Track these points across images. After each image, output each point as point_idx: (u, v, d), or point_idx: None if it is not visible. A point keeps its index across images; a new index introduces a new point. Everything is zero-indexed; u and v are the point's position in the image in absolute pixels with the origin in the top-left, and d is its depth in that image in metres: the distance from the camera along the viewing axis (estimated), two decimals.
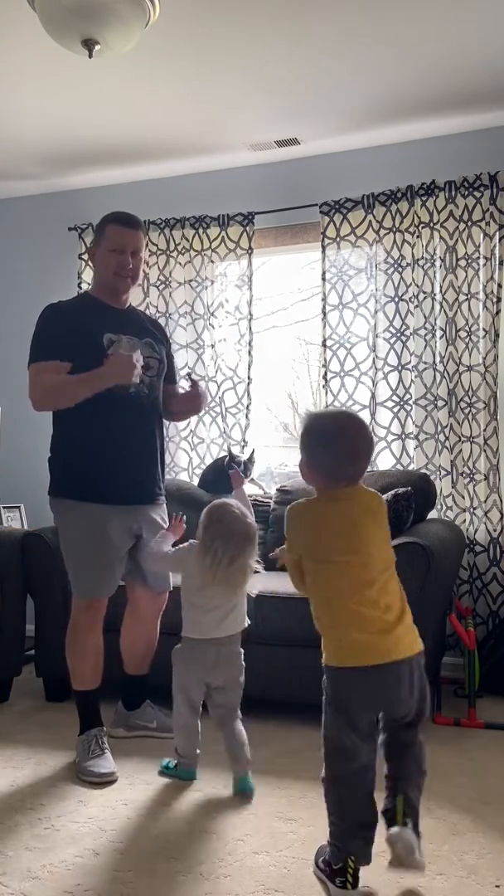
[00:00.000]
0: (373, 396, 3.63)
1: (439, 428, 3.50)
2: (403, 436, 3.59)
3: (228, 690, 2.34)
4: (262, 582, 3.00)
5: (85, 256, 4.15)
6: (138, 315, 2.74)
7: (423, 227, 3.55)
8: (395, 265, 3.60)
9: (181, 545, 2.38)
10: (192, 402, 2.76)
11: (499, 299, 3.40)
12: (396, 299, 3.60)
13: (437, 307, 3.53)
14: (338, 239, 3.70)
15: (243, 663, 2.38)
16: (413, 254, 3.57)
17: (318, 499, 1.83)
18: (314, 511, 1.81)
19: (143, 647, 2.72)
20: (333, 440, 1.78)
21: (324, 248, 3.72)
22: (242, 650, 2.39)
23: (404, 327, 3.59)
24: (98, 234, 2.61)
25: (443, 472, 3.49)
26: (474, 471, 3.43)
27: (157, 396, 2.66)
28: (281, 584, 2.94)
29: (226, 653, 2.34)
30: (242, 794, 2.26)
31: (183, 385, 2.79)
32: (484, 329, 3.43)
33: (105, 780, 2.33)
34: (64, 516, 2.56)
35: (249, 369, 3.86)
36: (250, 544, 2.26)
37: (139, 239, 2.58)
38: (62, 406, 2.52)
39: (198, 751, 2.38)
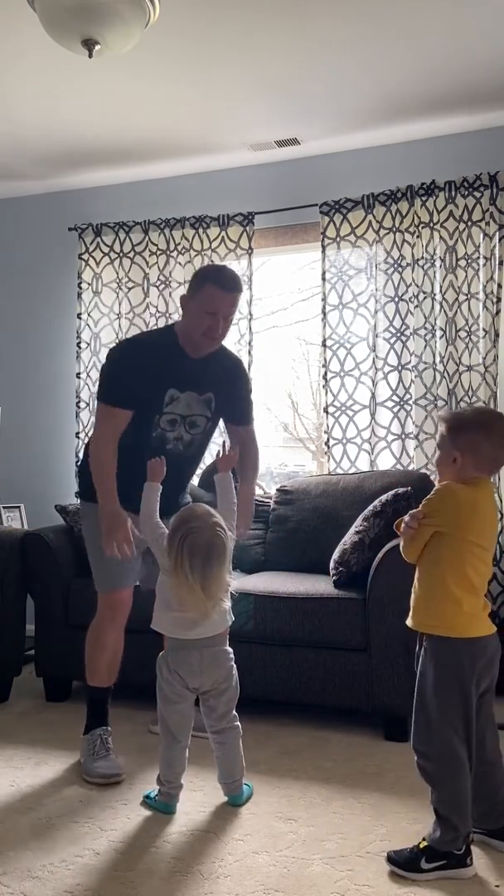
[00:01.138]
0: (373, 396, 3.64)
1: (439, 428, 3.50)
2: (403, 436, 3.59)
3: (219, 694, 2.19)
4: (263, 582, 3.00)
5: (85, 256, 4.15)
6: (214, 363, 2.58)
7: (423, 227, 3.55)
8: (395, 265, 3.60)
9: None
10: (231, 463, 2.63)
11: (499, 299, 3.40)
12: (396, 299, 3.60)
13: (437, 307, 3.54)
14: (338, 239, 3.70)
15: (232, 664, 2.23)
16: (413, 254, 3.57)
17: (475, 485, 1.90)
18: (477, 495, 1.89)
19: None
20: (494, 431, 1.91)
21: (324, 248, 3.72)
22: (230, 649, 2.25)
23: (404, 327, 3.59)
24: (195, 288, 2.49)
25: None
26: None
27: (199, 452, 2.69)
28: (281, 584, 2.95)
29: (211, 654, 2.18)
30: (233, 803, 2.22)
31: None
32: (484, 329, 3.44)
33: (111, 782, 2.33)
34: (89, 517, 2.59)
35: (249, 369, 3.86)
36: (216, 557, 2.06)
37: (236, 302, 2.50)
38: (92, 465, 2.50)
39: (182, 781, 2.20)
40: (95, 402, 2.63)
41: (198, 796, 2.25)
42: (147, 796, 2.23)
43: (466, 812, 1.81)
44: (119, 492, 2.43)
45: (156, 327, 2.74)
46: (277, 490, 3.63)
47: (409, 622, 1.95)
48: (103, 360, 2.62)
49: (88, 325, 4.16)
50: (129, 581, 2.56)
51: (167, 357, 2.50)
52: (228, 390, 2.65)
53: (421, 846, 1.81)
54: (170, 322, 3.97)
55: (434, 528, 1.89)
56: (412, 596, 1.95)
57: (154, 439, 2.51)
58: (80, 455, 4.08)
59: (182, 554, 2.05)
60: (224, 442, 2.58)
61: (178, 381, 2.51)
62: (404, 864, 1.80)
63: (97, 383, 2.62)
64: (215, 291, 2.44)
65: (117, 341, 2.65)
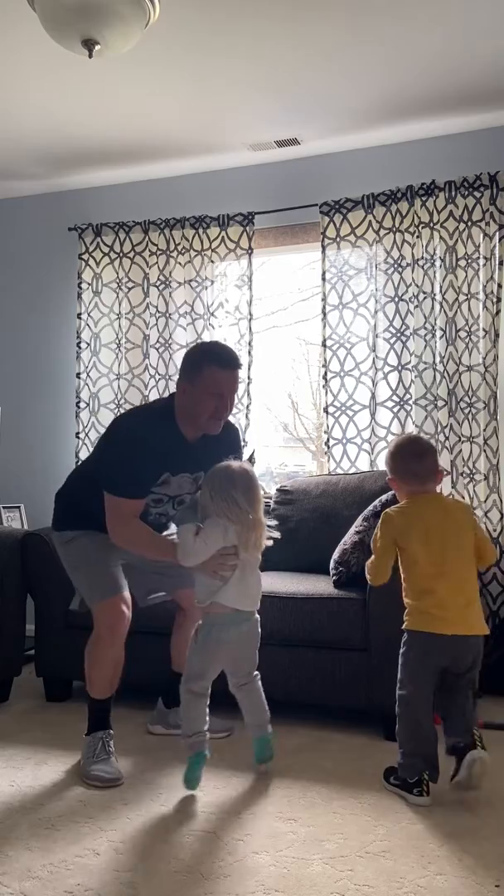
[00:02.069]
0: (373, 396, 3.64)
1: (439, 428, 3.50)
2: None
3: (247, 658, 2.39)
4: (263, 582, 3.00)
5: (85, 256, 4.15)
6: (211, 439, 2.53)
7: (423, 228, 3.55)
8: (395, 265, 3.60)
9: (203, 529, 2.30)
10: None
11: (499, 299, 3.40)
12: (396, 299, 3.60)
13: (437, 307, 3.54)
14: (338, 239, 3.70)
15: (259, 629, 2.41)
16: (413, 254, 3.57)
17: (414, 501, 2.42)
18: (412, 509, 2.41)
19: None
20: (400, 451, 2.45)
21: (324, 248, 3.72)
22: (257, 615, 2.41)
23: (404, 327, 3.59)
24: (193, 371, 2.42)
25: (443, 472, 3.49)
26: (474, 471, 3.43)
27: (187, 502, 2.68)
28: (281, 583, 2.94)
29: (254, 625, 2.38)
30: (261, 761, 2.36)
31: None
32: (484, 329, 3.44)
33: (109, 786, 2.33)
34: (68, 543, 2.59)
35: (249, 369, 3.86)
36: (256, 492, 2.30)
37: (238, 378, 2.47)
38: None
39: (206, 727, 2.32)
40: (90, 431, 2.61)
41: (198, 796, 2.25)
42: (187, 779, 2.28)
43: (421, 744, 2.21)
44: (79, 514, 2.49)
45: (153, 402, 2.65)
46: (277, 490, 3.63)
47: (482, 627, 2.26)
48: (105, 434, 2.54)
49: (88, 325, 4.16)
50: (126, 588, 2.52)
51: (168, 447, 2.46)
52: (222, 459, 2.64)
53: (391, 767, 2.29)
54: (169, 322, 3.99)
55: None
56: (474, 602, 2.27)
57: (148, 506, 2.50)
58: (79, 453, 4.09)
59: (228, 492, 2.25)
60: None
61: (174, 465, 2.49)
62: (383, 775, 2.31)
63: (103, 469, 2.48)
64: (217, 372, 2.39)
65: (118, 414, 2.57)
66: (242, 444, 2.74)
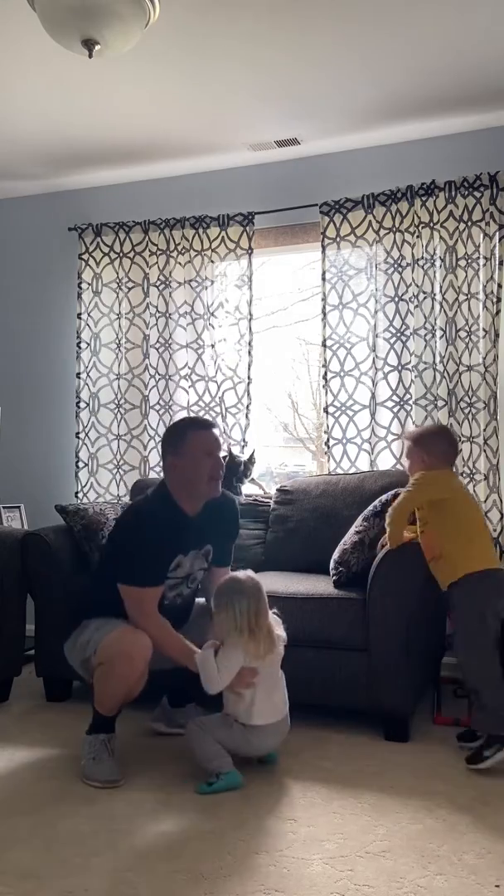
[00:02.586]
0: (373, 396, 3.63)
1: None
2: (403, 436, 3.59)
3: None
4: (263, 582, 2.99)
5: (85, 256, 4.15)
6: (209, 509, 2.58)
7: (423, 227, 3.55)
8: (395, 265, 3.60)
9: (222, 652, 2.34)
10: None
11: (499, 299, 3.40)
12: (396, 299, 3.60)
13: (437, 307, 3.54)
14: (338, 239, 3.70)
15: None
16: (413, 254, 3.57)
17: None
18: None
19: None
20: (442, 436, 2.80)
21: (324, 248, 3.72)
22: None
23: (404, 327, 3.59)
24: (179, 443, 2.50)
25: None
26: (474, 471, 3.43)
27: (193, 601, 2.74)
28: (281, 583, 2.94)
29: (284, 724, 2.45)
30: (265, 762, 2.42)
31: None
32: (484, 329, 3.43)
33: (110, 786, 2.33)
34: (79, 633, 2.56)
35: (249, 369, 3.86)
36: (264, 602, 2.38)
37: (220, 438, 2.58)
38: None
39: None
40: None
41: (198, 796, 2.25)
42: (206, 785, 2.27)
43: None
44: (103, 603, 2.48)
45: (146, 495, 2.67)
46: (277, 490, 3.63)
47: None
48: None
49: (88, 325, 4.16)
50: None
51: (175, 527, 2.49)
52: (223, 533, 2.67)
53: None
54: (169, 322, 3.98)
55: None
56: None
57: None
58: (79, 453, 4.08)
59: (234, 608, 2.32)
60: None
61: (185, 545, 2.52)
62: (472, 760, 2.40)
63: (117, 562, 2.48)
64: (202, 434, 2.51)
65: (127, 511, 2.63)
66: (238, 522, 2.78)
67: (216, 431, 2.56)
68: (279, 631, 2.43)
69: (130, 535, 2.49)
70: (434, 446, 2.69)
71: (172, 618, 2.52)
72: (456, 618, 2.57)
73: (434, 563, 2.60)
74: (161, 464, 2.60)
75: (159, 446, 2.59)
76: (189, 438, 2.49)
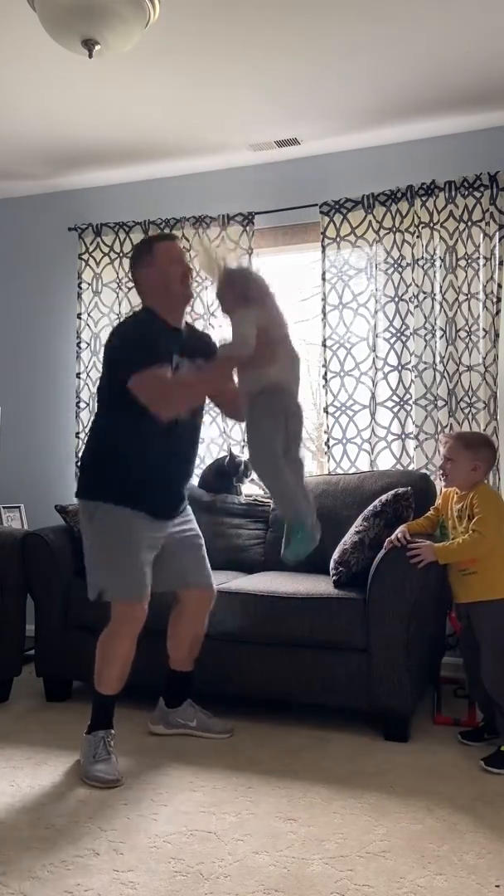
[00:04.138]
0: (373, 396, 3.63)
1: (439, 428, 3.50)
2: (403, 436, 3.59)
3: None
4: (263, 582, 3.00)
5: (85, 256, 4.15)
6: (189, 333, 2.66)
7: (423, 227, 3.55)
8: (395, 265, 3.60)
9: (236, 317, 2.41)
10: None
11: (499, 299, 3.40)
12: (396, 299, 3.60)
13: (437, 307, 3.53)
14: (338, 239, 3.70)
15: None
16: (413, 254, 3.57)
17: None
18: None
19: (191, 641, 2.72)
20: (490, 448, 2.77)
21: (324, 248, 3.72)
22: None
23: (404, 327, 3.59)
24: (146, 256, 2.56)
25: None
26: None
27: (198, 423, 2.70)
28: (281, 584, 2.94)
29: None
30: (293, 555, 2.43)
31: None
32: (484, 329, 3.44)
33: (110, 786, 2.33)
34: (96, 518, 2.51)
35: None
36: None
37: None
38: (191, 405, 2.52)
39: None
40: (95, 396, 2.60)
41: (197, 796, 2.25)
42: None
43: None
44: (130, 493, 2.45)
45: (133, 314, 2.71)
46: None
47: None
48: (106, 340, 2.57)
49: (88, 325, 4.16)
50: (148, 589, 2.49)
51: (165, 332, 2.51)
52: (204, 346, 2.67)
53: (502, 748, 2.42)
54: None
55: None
56: None
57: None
58: (80, 453, 4.08)
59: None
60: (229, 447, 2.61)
61: (176, 349, 2.52)
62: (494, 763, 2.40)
63: (111, 365, 2.49)
64: (166, 244, 2.56)
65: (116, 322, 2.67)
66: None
67: (178, 243, 2.62)
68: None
69: (126, 331, 2.50)
70: (485, 453, 2.66)
71: (175, 439, 2.51)
72: (482, 636, 2.54)
73: (462, 574, 2.57)
74: (135, 287, 2.63)
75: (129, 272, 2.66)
76: (155, 250, 2.55)
